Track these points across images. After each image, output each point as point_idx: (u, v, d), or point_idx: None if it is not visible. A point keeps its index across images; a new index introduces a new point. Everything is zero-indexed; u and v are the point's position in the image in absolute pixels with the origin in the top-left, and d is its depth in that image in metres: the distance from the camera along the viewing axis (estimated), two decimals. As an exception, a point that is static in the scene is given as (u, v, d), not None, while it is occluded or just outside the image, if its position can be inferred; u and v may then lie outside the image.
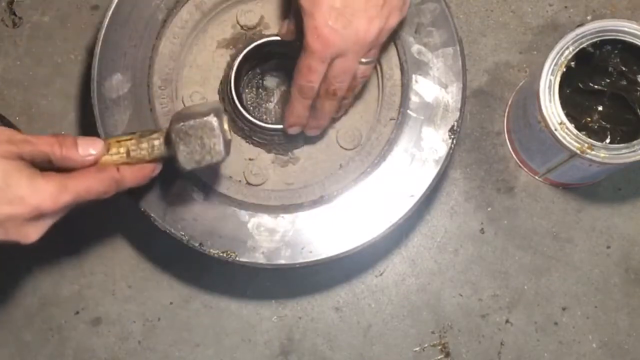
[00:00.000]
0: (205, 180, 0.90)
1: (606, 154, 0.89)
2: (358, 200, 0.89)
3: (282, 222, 0.88)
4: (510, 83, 1.09)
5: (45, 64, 1.11)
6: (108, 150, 0.76)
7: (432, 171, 0.89)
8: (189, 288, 1.06)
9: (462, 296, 1.05)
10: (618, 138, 0.93)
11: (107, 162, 0.76)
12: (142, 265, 1.07)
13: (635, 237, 1.06)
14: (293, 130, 0.89)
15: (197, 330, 1.05)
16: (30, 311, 1.06)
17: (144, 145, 0.77)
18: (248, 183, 0.92)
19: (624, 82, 0.94)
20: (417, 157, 0.90)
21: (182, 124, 0.74)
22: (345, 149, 0.93)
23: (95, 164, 0.75)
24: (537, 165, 1.04)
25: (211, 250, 0.88)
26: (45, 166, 0.73)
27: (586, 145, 0.89)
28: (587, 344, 1.04)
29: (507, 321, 1.04)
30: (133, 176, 0.77)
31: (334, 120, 0.92)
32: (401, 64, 0.92)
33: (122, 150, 0.77)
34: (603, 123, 0.94)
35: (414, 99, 0.90)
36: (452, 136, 0.90)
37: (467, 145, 1.08)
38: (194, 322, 1.06)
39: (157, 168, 0.80)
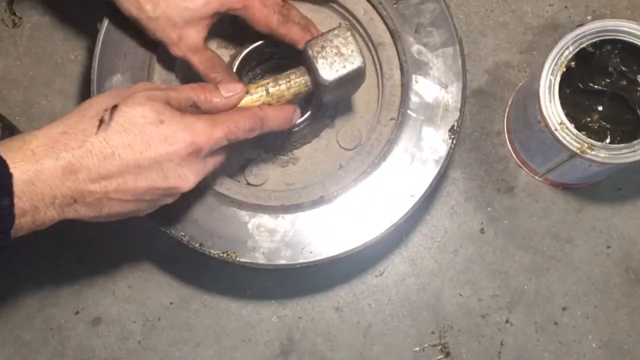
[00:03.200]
0: (205, 181, 0.90)
1: (606, 154, 0.89)
2: (358, 201, 0.89)
3: (282, 223, 0.88)
4: (510, 83, 1.09)
5: (45, 64, 1.11)
6: (247, 91, 0.79)
7: (432, 171, 0.89)
8: (189, 288, 1.06)
9: (462, 296, 1.05)
10: (618, 138, 0.93)
11: (248, 104, 0.79)
12: (142, 265, 1.07)
13: (635, 237, 1.06)
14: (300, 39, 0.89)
15: (197, 330, 1.05)
16: (30, 311, 1.06)
17: (282, 81, 0.80)
18: (248, 183, 0.92)
19: (624, 82, 0.93)
20: (417, 157, 0.90)
21: (314, 41, 0.78)
22: (345, 149, 0.93)
23: (237, 105, 0.78)
24: (537, 165, 1.04)
25: (211, 250, 0.88)
26: (191, 111, 0.74)
27: (586, 145, 0.89)
28: (587, 344, 1.04)
29: (507, 321, 1.05)
30: (275, 115, 0.79)
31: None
32: (401, 64, 0.92)
33: (261, 89, 0.80)
34: (603, 123, 0.94)
35: (414, 99, 0.90)
36: (452, 136, 0.90)
37: (467, 145, 1.08)
38: (194, 322, 1.06)
39: (297, 111, 0.82)
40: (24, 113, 1.09)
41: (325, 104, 0.87)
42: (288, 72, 0.81)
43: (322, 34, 0.80)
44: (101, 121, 0.69)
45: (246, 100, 0.79)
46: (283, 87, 0.80)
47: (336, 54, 0.78)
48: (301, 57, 0.82)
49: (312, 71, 0.80)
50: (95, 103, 0.71)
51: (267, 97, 0.80)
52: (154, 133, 0.69)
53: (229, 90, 0.77)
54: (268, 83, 0.81)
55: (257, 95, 0.80)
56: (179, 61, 0.90)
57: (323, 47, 0.78)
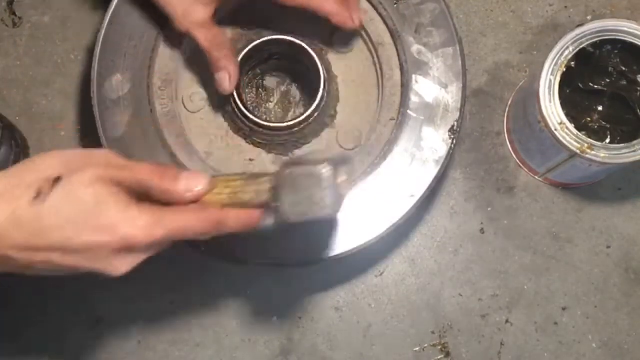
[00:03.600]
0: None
1: (606, 154, 0.89)
2: (358, 201, 0.89)
3: (282, 223, 0.88)
4: (510, 83, 1.09)
5: (45, 64, 1.11)
6: (212, 189, 0.70)
7: (432, 171, 0.89)
8: (189, 288, 1.06)
9: (462, 296, 1.05)
10: (618, 138, 0.93)
11: (208, 201, 0.70)
12: (142, 266, 1.07)
13: (635, 237, 1.06)
14: (357, 20, 0.86)
15: (197, 330, 1.05)
16: (31, 311, 1.06)
17: (252, 188, 0.70)
18: (248, 183, 0.92)
19: (624, 82, 0.93)
20: (417, 157, 0.90)
21: (290, 170, 0.67)
22: (345, 149, 0.93)
23: (196, 202, 0.70)
24: (537, 165, 1.04)
25: (212, 251, 0.88)
26: (142, 196, 0.68)
27: (586, 145, 0.89)
28: (587, 344, 1.04)
29: (507, 321, 1.05)
30: (237, 219, 0.70)
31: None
32: (401, 64, 0.92)
33: (227, 190, 0.70)
34: (603, 123, 0.94)
35: (414, 99, 0.90)
36: (452, 136, 0.90)
37: (467, 145, 1.08)
38: (194, 322, 1.06)
39: (262, 216, 0.72)
40: (24, 113, 1.09)
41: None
42: (262, 180, 0.70)
43: (302, 161, 0.68)
44: (38, 193, 0.64)
45: (207, 198, 0.70)
46: (251, 194, 0.70)
47: (306, 196, 0.67)
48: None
49: (277, 198, 0.69)
50: (39, 167, 0.66)
51: (230, 201, 0.70)
52: (90, 221, 0.65)
53: (190, 185, 0.69)
54: (237, 182, 0.71)
55: (219, 196, 0.70)
56: (185, 41, 0.89)
57: (294, 182, 0.67)
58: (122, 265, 0.68)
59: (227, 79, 0.87)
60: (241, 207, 0.70)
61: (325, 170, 0.67)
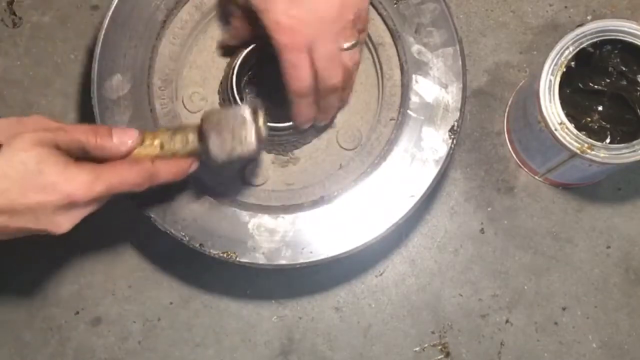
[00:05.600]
0: (205, 181, 0.90)
1: (606, 154, 0.89)
2: (358, 201, 0.89)
3: (283, 223, 0.88)
4: (510, 83, 1.09)
5: (45, 64, 1.11)
6: (142, 142, 0.76)
7: (432, 171, 0.89)
8: (189, 288, 1.06)
9: (462, 296, 1.05)
10: (618, 138, 0.93)
11: (140, 155, 0.76)
12: (142, 265, 1.07)
13: (635, 237, 1.06)
14: (305, 126, 0.88)
15: (197, 330, 1.05)
16: (30, 311, 1.06)
17: (178, 138, 0.77)
18: (248, 183, 0.92)
19: (624, 82, 0.94)
20: (417, 157, 0.90)
21: (214, 114, 0.74)
22: (345, 149, 0.93)
23: (129, 154, 0.75)
24: (537, 165, 1.04)
25: (211, 250, 0.88)
26: (79, 155, 0.73)
27: (586, 145, 0.89)
28: (587, 344, 1.04)
29: (507, 321, 1.05)
30: (168, 170, 0.77)
31: (337, 109, 0.91)
32: (401, 64, 0.92)
33: (156, 142, 0.76)
34: (603, 123, 0.94)
35: (414, 99, 0.90)
36: (452, 136, 0.90)
37: (467, 145, 1.08)
38: (194, 322, 1.06)
39: (193, 164, 0.79)
40: (24, 113, 1.09)
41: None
42: (187, 130, 0.77)
43: (224, 108, 0.76)
44: None
45: (139, 151, 0.76)
46: (178, 145, 0.77)
47: (230, 135, 0.74)
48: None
49: (204, 142, 0.76)
50: None
51: (161, 152, 0.76)
52: (32, 182, 0.69)
53: (122, 138, 0.75)
54: (165, 137, 0.77)
55: (150, 148, 0.76)
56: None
57: (218, 124, 0.74)
58: (64, 222, 0.72)
59: (229, 39, 0.90)
60: (171, 158, 0.77)
61: (245, 110, 0.74)
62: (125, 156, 0.75)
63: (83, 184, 0.70)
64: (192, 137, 0.77)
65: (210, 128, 0.74)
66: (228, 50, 0.94)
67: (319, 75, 0.82)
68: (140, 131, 0.76)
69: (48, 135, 0.70)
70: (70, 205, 0.70)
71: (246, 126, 0.74)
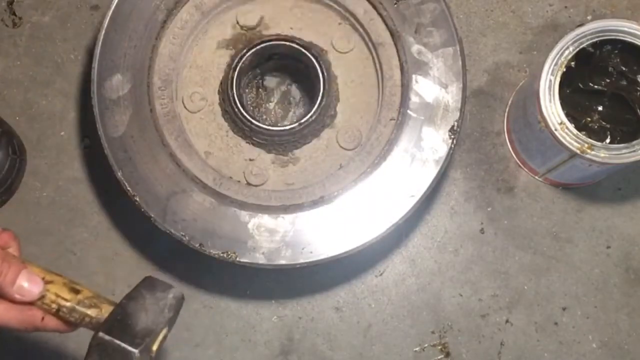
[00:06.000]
0: (205, 182, 0.90)
1: (606, 154, 0.89)
2: (358, 201, 0.89)
3: (283, 223, 0.89)
4: (510, 83, 1.09)
5: (45, 64, 1.11)
6: (43, 296, 0.73)
7: (432, 171, 0.89)
8: (189, 288, 1.06)
9: (462, 296, 1.05)
10: (618, 138, 0.93)
11: (35, 304, 0.73)
12: (142, 265, 1.07)
13: (635, 237, 1.06)
14: None
15: (197, 330, 1.05)
16: (31, 311, 1.06)
17: (76, 314, 0.74)
18: (248, 183, 0.92)
19: (624, 82, 0.93)
20: (417, 157, 0.90)
21: (107, 338, 0.69)
22: (345, 149, 0.93)
23: (23, 304, 0.73)
24: (537, 165, 1.04)
25: (211, 250, 0.88)
26: None
27: (586, 145, 0.89)
28: (587, 344, 1.04)
29: (507, 321, 1.05)
30: (55, 328, 0.75)
31: None
32: (401, 64, 0.92)
33: (53, 305, 0.74)
34: (603, 123, 0.94)
35: (414, 99, 0.90)
36: (452, 136, 0.90)
37: (467, 145, 1.08)
38: (194, 322, 1.06)
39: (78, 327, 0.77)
40: (24, 113, 1.09)
41: None
42: (88, 312, 0.74)
43: (129, 326, 0.71)
44: None
45: (36, 302, 0.73)
46: (72, 319, 0.74)
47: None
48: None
49: (87, 355, 0.71)
50: None
51: (55, 314, 0.74)
52: None
53: (24, 289, 0.73)
54: (67, 303, 0.74)
55: (46, 306, 0.73)
56: None
57: (105, 350, 0.69)
58: None
59: None
60: (62, 319, 0.74)
61: (135, 354, 0.69)
62: (20, 303, 0.73)
63: None
64: (88, 321, 0.74)
65: (95, 348, 0.70)
66: (228, 50, 0.95)
67: None
68: (45, 285, 0.73)
69: None
70: None
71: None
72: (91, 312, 0.74)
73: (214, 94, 0.94)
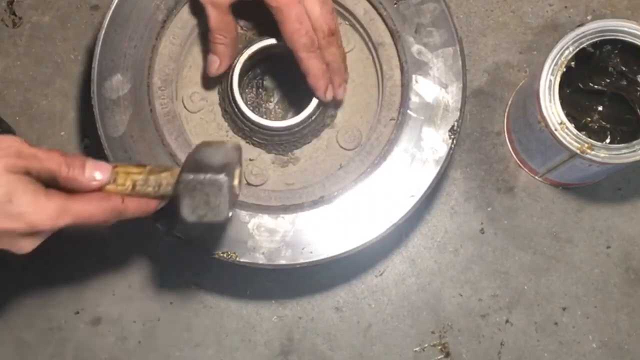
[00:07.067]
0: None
1: (606, 154, 0.89)
2: (358, 201, 0.89)
3: (283, 223, 0.88)
4: (510, 83, 1.09)
5: (45, 64, 1.11)
6: (115, 179, 0.75)
7: (432, 171, 0.89)
8: (189, 288, 1.06)
9: (462, 296, 1.05)
10: (618, 138, 0.93)
11: (111, 191, 0.75)
12: (142, 265, 1.07)
13: (635, 237, 1.06)
14: (329, 94, 0.89)
15: (197, 330, 1.05)
16: (30, 311, 1.06)
17: (152, 182, 0.76)
18: (248, 183, 0.92)
19: (624, 82, 0.93)
20: (417, 157, 0.90)
21: (192, 176, 0.72)
22: (345, 149, 0.93)
23: (99, 190, 0.74)
24: (537, 165, 1.04)
25: (211, 250, 0.88)
26: (49, 183, 0.72)
27: (586, 145, 0.89)
28: (587, 344, 1.04)
29: (507, 321, 1.05)
30: (136, 208, 0.76)
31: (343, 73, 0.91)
32: (401, 64, 0.92)
33: (128, 182, 0.75)
34: (603, 123, 0.94)
35: (414, 99, 0.90)
36: (452, 136, 0.90)
37: (467, 145, 1.08)
38: (194, 322, 1.06)
39: (162, 204, 0.78)
40: (24, 113, 1.09)
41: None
42: (161, 175, 0.76)
43: (206, 166, 0.73)
44: None
45: (110, 187, 0.75)
46: (150, 189, 0.76)
47: (204, 201, 0.72)
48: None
49: (178, 200, 0.73)
50: None
51: (132, 192, 0.75)
52: (1, 208, 0.69)
53: (94, 174, 0.74)
54: (139, 175, 0.76)
55: (122, 187, 0.75)
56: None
57: (194, 188, 0.72)
58: (26, 246, 0.73)
59: (216, 64, 0.90)
60: (141, 197, 0.76)
61: (223, 179, 0.72)
62: (94, 190, 0.74)
63: (50, 216, 0.70)
64: (166, 183, 0.76)
65: (185, 190, 0.72)
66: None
67: (316, 25, 0.84)
68: (114, 166, 0.75)
69: (20, 163, 0.70)
70: (36, 233, 0.71)
71: (221, 195, 0.72)
72: (165, 175, 0.75)
73: (214, 94, 0.94)
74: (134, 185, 0.75)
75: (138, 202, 0.76)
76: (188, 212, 0.72)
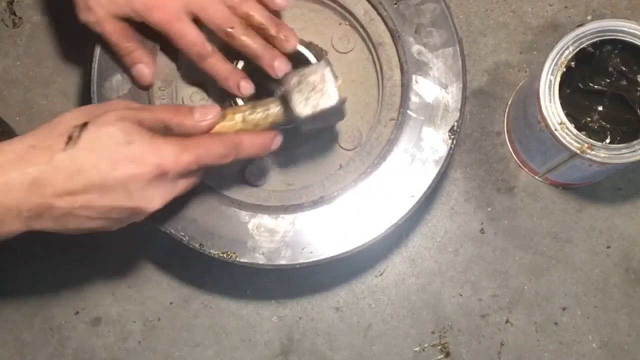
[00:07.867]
0: (205, 182, 0.90)
1: (606, 154, 0.89)
2: (358, 201, 0.89)
3: (283, 223, 0.89)
4: (510, 83, 1.09)
5: (45, 64, 1.11)
6: (224, 117, 0.78)
7: (432, 171, 0.89)
8: (189, 288, 1.06)
9: (462, 296, 1.05)
10: (618, 138, 0.93)
11: (223, 129, 0.78)
12: (142, 265, 1.07)
13: (635, 237, 1.06)
14: (279, 66, 0.85)
15: (197, 330, 1.05)
16: (30, 311, 1.06)
17: (259, 109, 0.79)
18: (248, 183, 0.92)
19: (624, 82, 0.94)
20: (417, 158, 0.90)
21: (294, 74, 0.78)
22: (345, 149, 0.93)
23: (210, 129, 0.77)
24: (537, 165, 1.04)
25: (211, 250, 0.88)
26: (162, 133, 0.74)
27: (586, 145, 0.89)
28: (587, 344, 1.04)
29: (507, 321, 1.05)
30: (252, 142, 0.78)
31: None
32: (401, 64, 0.92)
33: (237, 116, 0.79)
34: (603, 123, 0.94)
35: (414, 99, 0.90)
36: (452, 136, 0.90)
37: (467, 145, 1.08)
38: (194, 322, 1.06)
39: (277, 138, 0.80)
40: (24, 113, 1.09)
41: (304, 133, 0.85)
42: (267, 101, 0.80)
43: (301, 68, 0.79)
44: (69, 138, 0.69)
45: (222, 125, 0.78)
46: (260, 115, 0.79)
47: (312, 90, 0.78)
48: (279, 86, 0.82)
49: (287, 104, 0.78)
50: (65, 119, 0.71)
51: (243, 124, 0.79)
52: (121, 154, 0.69)
53: (203, 114, 0.77)
54: (245, 110, 0.80)
55: (231, 122, 0.79)
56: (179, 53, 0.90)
57: (299, 82, 0.77)
58: (156, 197, 0.73)
59: (144, 70, 0.88)
60: (252, 129, 0.79)
61: (322, 63, 0.79)
62: (207, 131, 0.77)
63: (171, 154, 0.71)
64: (273, 107, 0.80)
65: (291, 89, 0.77)
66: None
67: (213, 22, 0.84)
68: (222, 107, 0.79)
69: (131, 113, 0.72)
70: (161, 176, 0.71)
71: (326, 78, 0.77)
72: (270, 99, 0.80)
73: (214, 94, 0.94)
74: (243, 118, 0.79)
75: (252, 135, 0.79)
76: (301, 106, 0.77)
